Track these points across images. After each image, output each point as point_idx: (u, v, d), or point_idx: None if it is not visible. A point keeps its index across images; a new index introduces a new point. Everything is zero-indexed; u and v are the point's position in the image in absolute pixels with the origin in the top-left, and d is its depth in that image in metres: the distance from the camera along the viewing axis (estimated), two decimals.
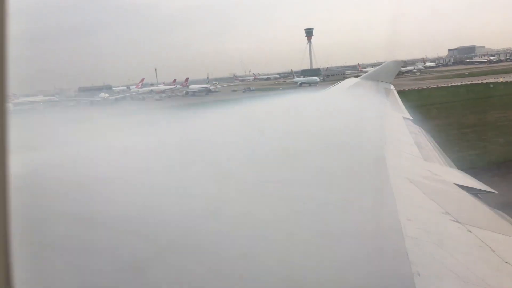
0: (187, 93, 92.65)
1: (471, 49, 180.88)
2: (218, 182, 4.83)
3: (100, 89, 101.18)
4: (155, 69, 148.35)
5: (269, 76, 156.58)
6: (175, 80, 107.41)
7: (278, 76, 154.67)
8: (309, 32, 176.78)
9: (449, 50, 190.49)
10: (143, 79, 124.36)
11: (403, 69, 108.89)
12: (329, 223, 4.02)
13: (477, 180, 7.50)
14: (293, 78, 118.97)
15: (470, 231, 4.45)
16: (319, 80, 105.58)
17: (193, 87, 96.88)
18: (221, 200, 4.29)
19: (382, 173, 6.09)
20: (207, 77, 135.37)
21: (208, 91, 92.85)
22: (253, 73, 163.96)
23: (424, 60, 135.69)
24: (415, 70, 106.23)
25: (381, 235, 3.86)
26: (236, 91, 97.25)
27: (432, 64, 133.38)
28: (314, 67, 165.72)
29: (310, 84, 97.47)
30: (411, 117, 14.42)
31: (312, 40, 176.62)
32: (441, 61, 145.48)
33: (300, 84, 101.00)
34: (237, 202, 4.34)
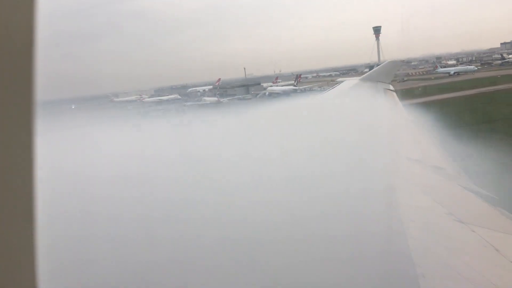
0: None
1: None
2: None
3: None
4: (244, 68, 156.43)
5: (330, 73, 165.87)
6: (277, 78, 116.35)
7: (338, 72, 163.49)
8: (377, 30, 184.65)
9: (501, 43, 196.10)
10: (219, 79, 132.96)
11: (509, 59, 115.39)
12: (332, 225, 4.11)
13: (477, 184, 7.32)
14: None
15: (474, 231, 4.36)
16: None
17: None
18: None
19: (384, 176, 6.12)
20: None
21: None
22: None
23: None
24: None
25: (384, 237, 3.95)
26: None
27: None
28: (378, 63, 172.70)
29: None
30: (411, 118, 14.54)
31: (379, 37, 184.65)
32: None
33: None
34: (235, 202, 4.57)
